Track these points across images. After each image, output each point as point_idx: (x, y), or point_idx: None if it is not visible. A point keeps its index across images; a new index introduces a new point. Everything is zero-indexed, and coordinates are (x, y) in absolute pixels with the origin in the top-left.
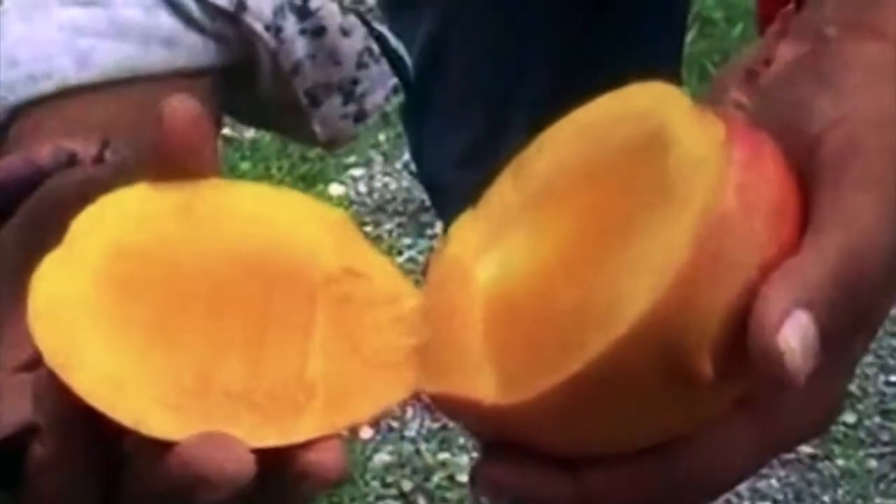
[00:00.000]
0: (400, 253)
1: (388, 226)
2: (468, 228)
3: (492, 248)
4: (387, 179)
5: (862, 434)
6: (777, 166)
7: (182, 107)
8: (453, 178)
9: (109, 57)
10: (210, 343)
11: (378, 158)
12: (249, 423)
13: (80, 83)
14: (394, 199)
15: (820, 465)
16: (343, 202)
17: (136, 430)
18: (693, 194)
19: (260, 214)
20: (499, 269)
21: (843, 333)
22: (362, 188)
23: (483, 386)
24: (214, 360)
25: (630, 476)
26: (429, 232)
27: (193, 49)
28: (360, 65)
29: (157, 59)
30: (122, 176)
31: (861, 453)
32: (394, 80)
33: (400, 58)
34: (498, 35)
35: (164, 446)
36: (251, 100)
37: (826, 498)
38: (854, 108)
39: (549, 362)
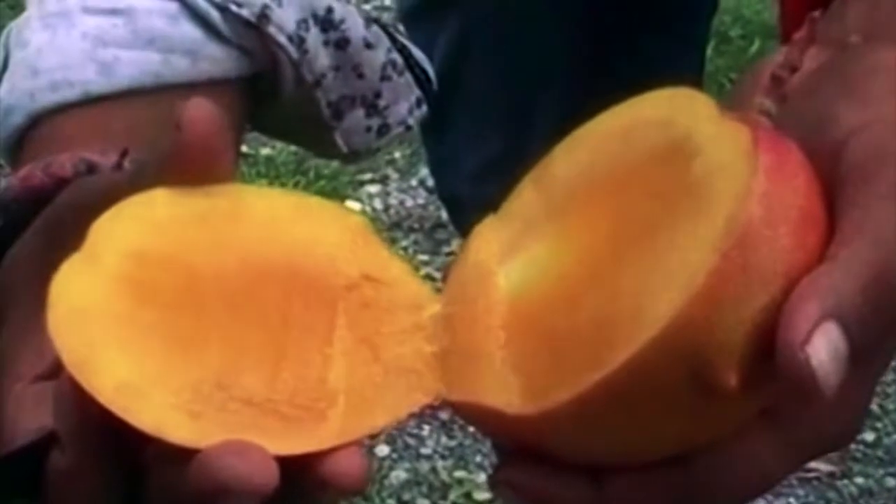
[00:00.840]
0: (416, 269)
1: (403, 242)
2: (490, 234)
3: (514, 254)
4: (403, 196)
5: (881, 452)
6: (803, 173)
7: (200, 111)
8: (472, 193)
9: (132, 66)
10: (230, 349)
11: (394, 175)
12: (270, 431)
13: (103, 92)
14: (410, 215)
15: (839, 483)
16: None
17: (157, 438)
18: (718, 202)
19: (280, 220)
20: (521, 275)
21: (871, 346)
22: (378, 205)
23: (506, 395)
24: (235, 367)
25: (651, 484)
26: (445, 249)
27: (216, 59)
28: (384, 77)
29: (179, 68)
30: (141, 181)
31: (880, 472)
32: (417, 93)
33: (424, 71)
34: (517, 50)
35: (186, 454)
36: (274, 111)
37: None
38: (879, 115)
39: (572, 371)
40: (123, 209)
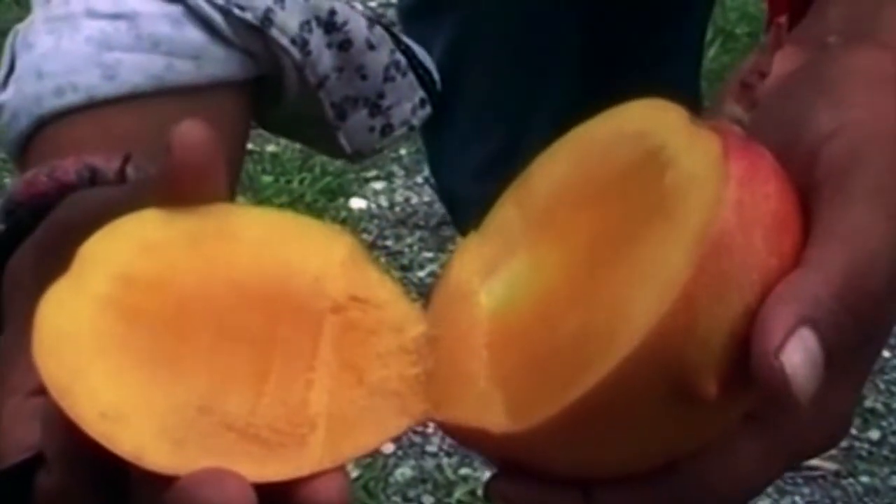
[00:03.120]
0: (421, 267)
1: (409, 240)
2: (471, 252)
3: (495, 271)
4: (408, 193)
5: (886, 451)
6: (776, 179)
7: (192, 134)
8: (471, 192)
9: (136, 70)
10: (214, 374)
11: (399, 172)
12: (251, 457)
13: (107, 96)
14: (415, 212)
15: (844, 482)
16: (364, 216)
17: (137, 464)
18: (691, 213)
19: (268, 240)
20: (502, 293)
21: (848, 350)
22: (383, 202)
23: (491, 414)
24: (218, 392)
25: (641, 493)
26: (450, 246)
27: (220, 62)
28: (387, 78)
29: (183, 72)
30: (136, 200)
31: (885, 470)
32: (421, 94)
33: (427, 71)
34: (517, 48)
35: (166, 480)
36: (279, 111)
37: None
38: (854, 119)
39: (555, 388)
40: (112, 230)
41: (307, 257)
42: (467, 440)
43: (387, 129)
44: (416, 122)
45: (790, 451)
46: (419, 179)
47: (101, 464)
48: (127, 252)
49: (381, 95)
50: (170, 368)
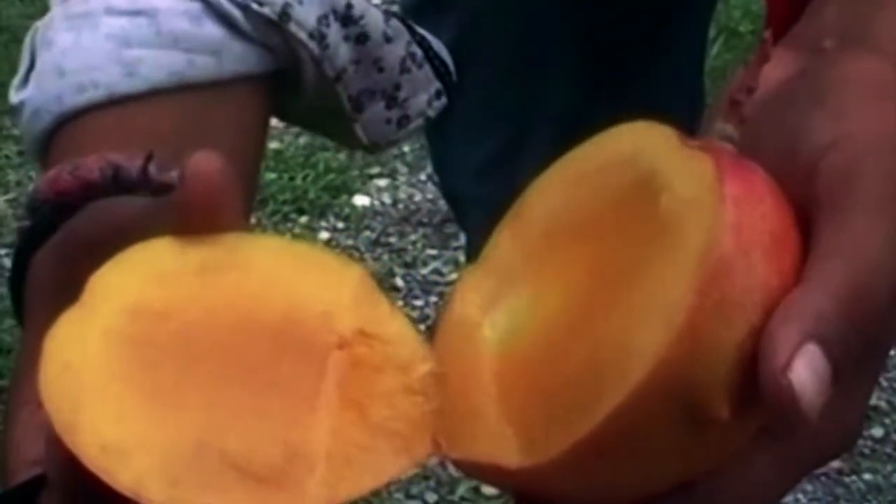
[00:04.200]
0: (425, 264)
1: (412, 237)
2: (472, 286)
3: (497, 305)
4: (412, 190)
5: (889, 448)
6: (771, 197)
7: (204, 164)
8: (474, 190)
9: (157, 67)
10: (216, 408)
11: (403, 169)
12: (249, 495)
13: (128, 93)
14: (418, 209)
15: (847, 479)
16: (367, 213)
17: (135, 500)
18: (689, 238)
19: (278, 272)
20: (506, 326)
21: (855, 363)
22: (387, 199)
23: (505, 449)
24: (219, 427)
25: None
26: (454, 243)
27: (239, 57)
28: (403, 70)
29: (204, 68)
30: (155, 221)
31: (888, 468)
32: (437, 85)
33: (443, 62)
34: (520, 46)
35: None
36: (297, 104)
37: None
38: (853, 129)
39: (566, 420)
40: (123, 261)
41: (317, 290)
42: (483, 475)
43: (403, 121)
44: (432, 113)
45: (802, 460)
46: (422, 176)
47: (101, 492)
48: (136, 284)
49: (397, 87)
50: (172, 402)
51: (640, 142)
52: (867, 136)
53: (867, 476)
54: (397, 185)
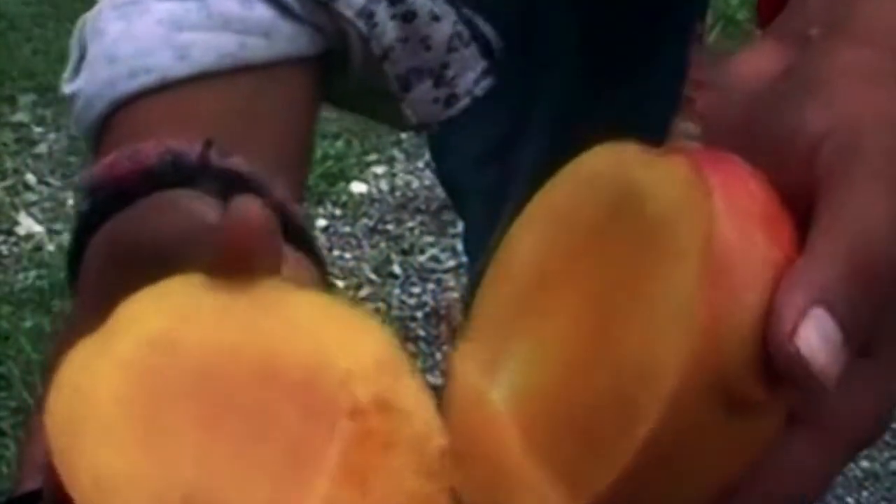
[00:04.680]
0: (422, 251)
1: (410, 224)
2: (468, 357)
3: (498, 367)
4: (409, 178)
5: (887, 436)
6: (752, 179)
7: (245, 213)
8: (473, 177)
9: (208, 49)
10: (215, 456)
11: (400, 156)
12: None
13: (180, 77)
14: (416, 197)
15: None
16: (365, 200)
17: None
18: (685, 236)
19: (305, 325)
20: (514, 383)
21: (866, 329)
22: (384, 186)
23: (550, 498)
24: (213, 476)
25: None
26: (451, 230)
27: (290, 38)
28: (451, 49)
29: (255, 49)
30: (197, 249)
31: (885, 455)
32: (483, 64)
33: (488, 41)
34: (516, 36)
35: None
36: (343, 85)
37: (850, 500)
38: (848, 113)
39: (606, 448)
40: (152, 293)
41: (341, 349)
42: None
43: (451, 100)
44: (479, 91)
45: (840, 441)
46: (420, 164)
47: None
48: (161, 317)
49: (445, 66)
50: (172, 443)
51: (608, 163)
52: (862, 118)
53: (864, 464)
54: (395, 173)
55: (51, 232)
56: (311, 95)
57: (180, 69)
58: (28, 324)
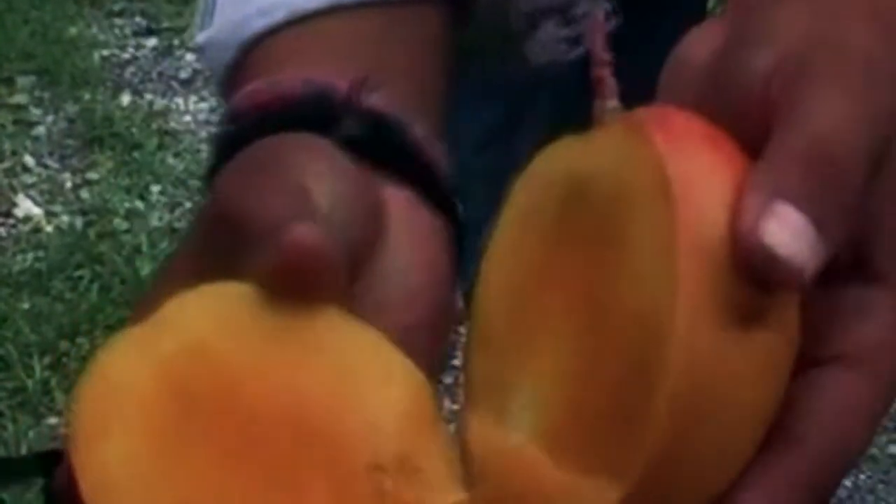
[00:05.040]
0: None
1: None
2: (474, 419)
3: (509, 408)
4: None
5: (884, 419)
6: (686, 110)
7: (303, 239)
8: (472, 164)
9: None
10: (222, 488)
11: None
12: None
13: (309, 9)
14: None
15: None
16: None
17: None
18: (641, 189)
19: (342, 365)
20: (529, 416)
21: (841, 222)
22: None
23: (597, 493)
24: None
25: (779, 485)
26: None
27: None
28: None
29: None
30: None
31: (883, 438)
32: (607, 4)
33: None
34: None
35: None
36: (466, 30)
37: (848, 483)
38: (793, 44)
39: (636, 420)
40: (204, 295)
41: (372, 397)
42: None
43: (576, 40)
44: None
45: (880, 371)
46: None
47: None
48: (207, 326)
49: (572, 3)
50: (185, 463)
51: (553, 162)
52: (808, 43)
53: None
54: None
55: (49, 214)
56: (441, 33)
57: (309, 3)
58: (25, 306)
